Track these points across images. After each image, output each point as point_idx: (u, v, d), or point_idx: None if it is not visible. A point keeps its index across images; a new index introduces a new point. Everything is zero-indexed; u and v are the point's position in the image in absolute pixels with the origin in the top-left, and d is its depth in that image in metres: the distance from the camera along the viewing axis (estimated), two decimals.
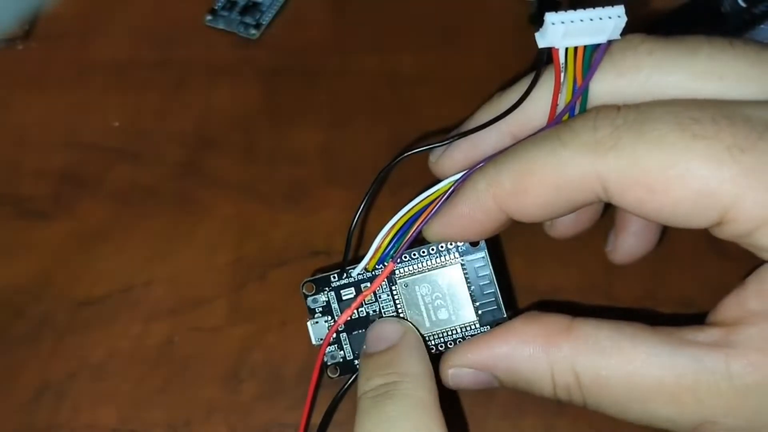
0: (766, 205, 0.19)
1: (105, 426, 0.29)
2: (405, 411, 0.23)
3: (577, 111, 0.23)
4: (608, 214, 0.29)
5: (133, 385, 0.30)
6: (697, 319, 0.22)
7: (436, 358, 0.25)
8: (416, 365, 0.24)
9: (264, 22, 0.38)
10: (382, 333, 0.26)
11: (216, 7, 0.39)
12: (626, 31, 0.23)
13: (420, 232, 0.25)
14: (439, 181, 0.25)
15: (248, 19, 0.38)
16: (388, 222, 0.25)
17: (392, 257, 0.26)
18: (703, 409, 0.20)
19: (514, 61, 0.35)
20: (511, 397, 0.29)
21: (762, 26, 0.32)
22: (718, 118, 0.20)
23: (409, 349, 0.25)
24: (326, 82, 0.37)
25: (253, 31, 0.38)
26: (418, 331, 0.26)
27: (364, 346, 0.26)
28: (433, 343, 0.26)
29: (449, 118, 0.34)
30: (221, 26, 0.38)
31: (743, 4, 0.31)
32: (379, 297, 0.27)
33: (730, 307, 0.21)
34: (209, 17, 0.39)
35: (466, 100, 0.31)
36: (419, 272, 0.26)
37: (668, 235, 0.30)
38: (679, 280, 0.31)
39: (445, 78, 0.36)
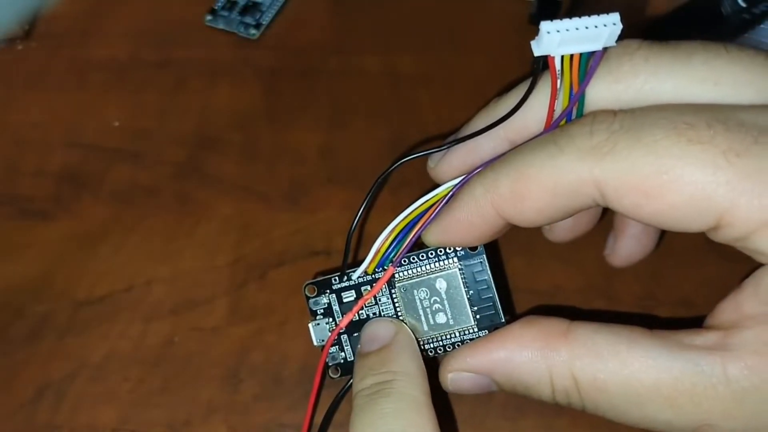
0: (761, 208, 0.19)
1: (105, 426, 0.29)
2: (398, 409, 0.23)
3: (573, 116, 0.23)
4: (607, 216, 0.29)
5: (133, 385, 0.30)
6: (697, 320, 0.22)
7: (434, 363, 0.25)
8: (409, 364, 0.24)
9: (264, 22, 0.38)
10: (375, 333, 0.26)
11: (216, 7, 0.39)
12: (624, 34, 0.23)
13: (419, 236, 0.25)
14: (438, 185, 0.25)
15: (248, 19, 0.38)
16: (387, 226, 0.25)
17: (392, 261, 0.26)
18: (701, 413, 0.20)
19: (514, 62, 0.35)
20: (511, 397, 0.28)
21: (762, 26, 0.32)
22: (713, 122, 0.20)
23: (401, 348, 0.25)
24: (326, 82, 0.37)
25: (253, 31, 0.38)
26: (416, 334, 0.26)
27: (359, 346, 0.26)
28: (431, 347, 0.26)
29: (449, 118, 0.34)
30: (221, 26, 0.38)
31: (743, 4, 0.31)
32: (379, 300, 0.27)
33: (726, 310, 0.21)
34: (209, 17, 0.39)
35: (466, 100, 0.31)
36: (418, 276, 0.26)
37: (668, 237, 0.30)
38: (678, 281, 0.31)
39: (445, 78, 0.36)
